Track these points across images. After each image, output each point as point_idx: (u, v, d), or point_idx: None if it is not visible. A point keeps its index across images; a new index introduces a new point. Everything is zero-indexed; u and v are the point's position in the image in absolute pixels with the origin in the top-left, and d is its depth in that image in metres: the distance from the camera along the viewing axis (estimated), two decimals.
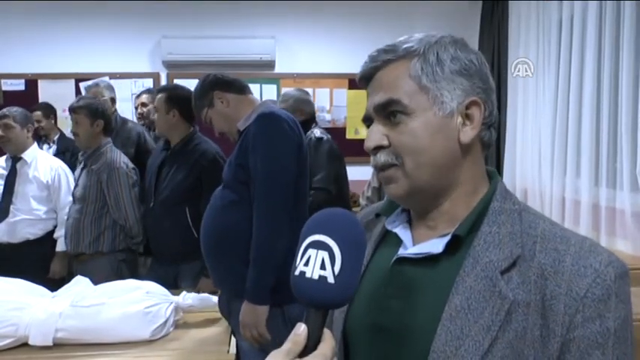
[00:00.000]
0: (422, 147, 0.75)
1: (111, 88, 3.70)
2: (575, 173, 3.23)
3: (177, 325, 2.03)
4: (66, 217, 2.94)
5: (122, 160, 2.83)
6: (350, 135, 4.88)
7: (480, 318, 0.69)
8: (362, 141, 0.81)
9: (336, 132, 3.66)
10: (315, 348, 0.60)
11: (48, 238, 3.08)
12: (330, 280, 0.61)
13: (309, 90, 4.00)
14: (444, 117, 0.76)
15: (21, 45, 4.68)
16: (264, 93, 4.81)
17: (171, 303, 2.00)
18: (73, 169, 3.14)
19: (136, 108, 4.11)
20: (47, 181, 3.06)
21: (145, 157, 3.38)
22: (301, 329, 0.61)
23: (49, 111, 4.03)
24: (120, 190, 2.75)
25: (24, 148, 3.07)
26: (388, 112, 0.77)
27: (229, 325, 2.01)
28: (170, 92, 2.69)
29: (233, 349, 1.91)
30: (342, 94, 4.92)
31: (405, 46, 0.77)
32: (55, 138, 4.01)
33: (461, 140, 0.76)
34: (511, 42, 4.05)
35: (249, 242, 1.79)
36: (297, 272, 0.63)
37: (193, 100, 2.12)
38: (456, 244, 0.75)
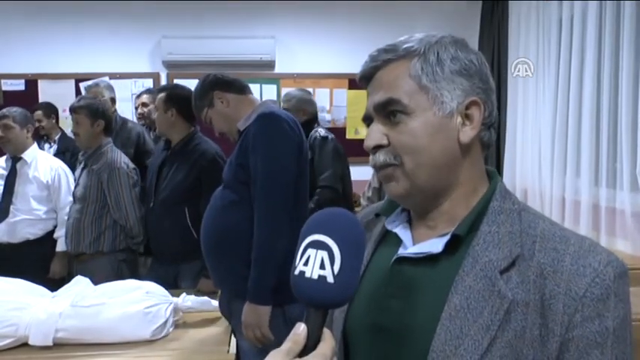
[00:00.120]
0: (421, 147, 0.76)
1: (111, 88, 3.70)
2: (575, 173, 3.23)
3: (177, 325, 2.03)
4: (66, 217, 2.94)
5: (123, 160, 2.83)
6: (350, 135, 4.88)
7: (480, 317, 0.69)
8: (362, 141, 0.81)
9: (336, 132, 3.67)
10: (314, 347, 0.60)
11: (48, 238, 3.08)
12: (330, 279, 0.61)
13: (309, 90, 4.00)
14: (443, 117, 0.76)
15: (21, 45, 4.68)
16: (264, 93, 4.81)
17: (171, 303, 2.00)
18: (73, 169, 3.14)
19: (136, 108, 4.11)
20: (47, 181, 3.06)
21: (144, 158, 3.39)
22: (301, 329, 0.61)
23: (50, 110, 4.04)
24: (120, 190, 2.75)
25: (24, 149, 3.07)
26: (388, 111, 0.78)
27: (230, 325, 2.01)
28: (169, 92, 2.69)
29: (233, 349, 1.91)
30: (342, 94, 4.92)
31: (406, 45, 0.77)
32: (56, 138, 4.01)
33: (460, 140, 0.76)
34: (511, 42, 4.05)
35: (250, 242, 1.79)
36: (296, 272, 0.63)
37: (193, 100, 2.12)
38: (456, 244, 0.75)
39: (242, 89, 2.07)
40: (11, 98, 4.55)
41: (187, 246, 2.53)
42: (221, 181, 1.98)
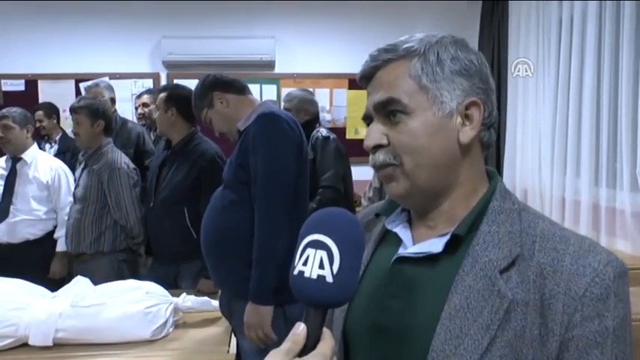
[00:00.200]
0: (421, 147, 0.76)
1: (111, 89, 3.71)
2: (575, 173, 3.23)
3: (177, 326, 2.03)
4: (66, 218, 2.94)
5: (123, 160, 2.83)
6: (350, 135, 4.88)
7: (479, 317, 0.69)
8: (362, 141, 0.81)
9: (336, 132, 3.66)
10: (314, 347, 0.60)
11: (48, 239, 3.08)
12: (329, 279, 0.61)
13: (310, 90, 4.00)
14: (443, 117, 0.76)
15: (21, 45, 4.69)
16: (264, 93, 4.81)
17: (171, 303, 2.00)
18: (74, 169, 3.14)
19: (137, 108, 4.12)
20: (47, 182, 3.06)
21: (144, 158, 3.40)
22: (300, 328, 0.61)
23: (51, 111, 4.03)
24: (121, 190, 2.75)
25: (24, 149, 3.07)
26: (388, 111, 0.78)
27: (230, 325, 2.01)
28: (170, 91, 2.70)
29: (233, 349, 1.91)
30: (342, 94, 4.92)
31: (406, 45, 0.77)
32: (57, 138, 4.01)
33: (460, 140, 0.76)
34: (511, 42, 4.05)
35: (250, 242, 1.80)
36: (295, 272, 0.63)
37: (193, 101, 2.12)
38: (456, 244, 0.75)
39: (242, 89, 2.07)
40: (11, 98, 4.55)
41: (187, 246, 2.53)
42: (221, 181, 1.99)
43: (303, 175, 1.90)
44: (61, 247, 3.03)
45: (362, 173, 3.61)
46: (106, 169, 2.75)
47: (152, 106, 3.66)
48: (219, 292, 2.14)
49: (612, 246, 2.85)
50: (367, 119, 0.82)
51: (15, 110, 3.07)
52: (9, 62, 4.66)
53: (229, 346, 1.91)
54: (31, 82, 4.74)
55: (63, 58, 4.69)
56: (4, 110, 3.08)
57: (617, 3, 2.85)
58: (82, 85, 4.32)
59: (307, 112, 3.33)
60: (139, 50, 4.79)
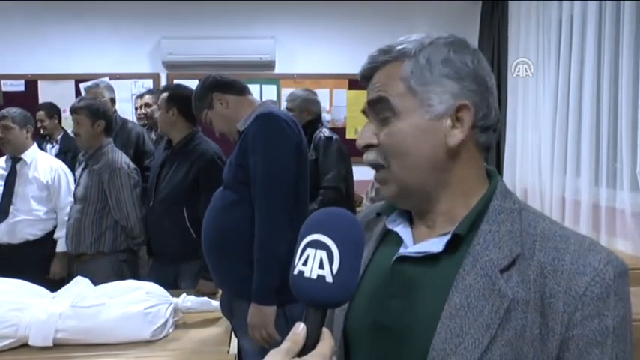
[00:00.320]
0: (407, 149, 0.76)
1: (111, 89, 3.71)
2: (575, 173, 3.23)
3: (177, 326, 2.03)
4: (66, 218, 2.94)
5: (124, 160, 2.83)
6: (350, 135, 4.88)
7: (480, 316, 0.69)
8: None
9: (336, 132, 3.66)
10: (313, 347, 0.60)
11: (48, 239, 3.08)
12: (329, 279, 0.61)
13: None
14: (430, 120, 0.76)
15: (21, 45, 4.69)
16: (264, 93, 4.81)
17: (171, 304, 2.00)
18: (74, 169, 3.14)
19: (136, 108, 4.11)
20: (47, 182, 3.06)
21: (144, 158, 3.39)
22: (300, 328, 0.61)
23: (53, 111, 4.03)
24: (121, 190, 2.75)
25: (23, 149, 3.07)
26: (378, 111, 0.79)
27: (231, 324, 2.01)
28: (171, 91, 2.71)
29: (233, 350, 1.91)
30: (342, 94, 4.92)
31: (399, 47, 0.78)
32: (59, 138, 4.01)
33: (448, 144, 0.76)
34: (511, 42, 4.05)
35: (250, 242, 1.80)
36: (295, 271, 0.63)
37: (193, 102, 2.12)
38: (456, 243, 0.75)
39: (241, 90, 2.07)
40: (11, 99, 4.55)
41: (187, 246, 2.54)
42: (220, 181, 1.99)
43: (303, 174, 1.90)
44: (61, 247, 3.03)
45: (363, 173, 3.59)
46: (106, 170, 2.75)
47: (154, 106, 3.66)
48: (220, 292, 2.15)
49: (612, 246, 2.85)
50: (365, 114, 0.83)
51: (15, 110, 3.08)
52: (9, 62, 4.66)
53: (229, 346, 1.91)
54: (31, 83, 4.74)
55: (63, 58, 4.69)
56: (3, 110, 3.08)
57: (617, 3, 2.85)
58: (82, 86, 4.32)
59: (310, 112, 3.33)
60: (139, 50, 4.79)
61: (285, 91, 4.63)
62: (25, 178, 3.05)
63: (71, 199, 3.00)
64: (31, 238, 3.04)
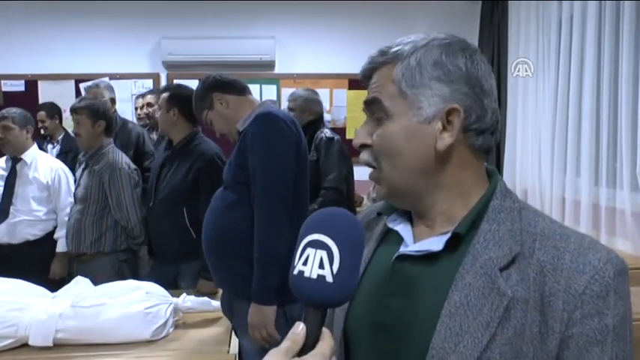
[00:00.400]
0: (397, 150, 0.77)
1: (111, 89, 3.71)
2: (575, 173, 3.23)
3: (177, 326, 2.03)
4: (66, 218, 2.94)
5: (124, 160, 2.83)
6: (350, 135, 4.87)
7: (479, 315, 0.69)
8: None
9: (336, 132, 3.66)
10: (313, 347, 0.60)
11: (48, 239, 3.08)
12: (329, 279, 0.61)
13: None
14: (419, 123, 0.76)
15: (21, 46, 4.69)
16: (264, 93, 4.81)
17: (171, 304, 2.00)
18: (75, 169, 3.14)
19: (136, 109, 4.12)
20: (47, 182, 3.06)
21: (143, 159, 3.39)
22: (300, 328, 0.61)
23: (54, 111, 4.02)
24: (122, 190, 2.75)
25: (23, 150, 3.07)
26: (373, 111, 0.80)
27: (232, 324, 2.01)
28: (172, 91, 2.71)
29: (233, 349, 1.91)
30: (342, 94, 4.92)
31: (394, 49, 0.78)
32: (60, 138, 4.01)
33: (437, 147, 0.76)
34: (511, 42, 4.06)
35: (250, 242, 1.80)
36: (295, 271, 0.63)
37: (194, 102, 2.13)
38: (456, 242, 0.75)
39: (241, 90, 2.07)
40: (11, 99, 4.55)
41: (187, 246, 2.54)
42: (220, 181, 1.99)
43: (302, 174, 1.90)
44: (61, 247, 3.03)
45: (364, 174, 3.59)
46: (107, 170, 2.75)
47: (156, 107, 3.66)
48: (220, 292, 2.14)
49: (612, 246, 2.84)
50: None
51: (15, 111, 3.08)
52: (9, 63, 4.66)
53: (229, 346, 1.91)
54: (31, 83, 4.74)
55: (63, 59, 4.69)
56: (3, 111, 3.08)
57: (617, 3, 2.85)
58: (82, 86, 4.32)
59: (312, 112, 3.32)
60: (139, 50, 4.79)
61: (285, 91, 4.63)
62: (25, 178, 3.05)
63: (71, 199, 3.00)
64: (31, 238, 3.04)
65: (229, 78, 2.10)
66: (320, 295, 0.61)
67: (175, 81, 4.41)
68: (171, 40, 4.64)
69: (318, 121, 3.34)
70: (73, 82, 4.71)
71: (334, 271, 0.61)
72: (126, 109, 4.39)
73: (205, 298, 2.10)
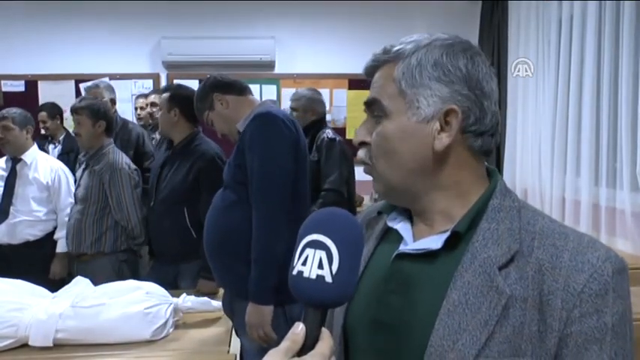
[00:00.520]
0: (393, 150, 0.77)
1: (111, 89, 3.70)
2: (575, 173, 3.23)
3: (177, 326, 2.03)
4: (66, 219, 2.94)
5: (124, 161, 2.84)
6: (350, 135, 4.87)
7: (478, 313, 0.69)
8: None
9: (336, 132, 3.66)
10: (313, 347, 0.60)
11: (48, 240, 3.08)
12: (328, 279, 0.61)
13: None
14: (417, 123, 0.76)
15: (21, 46, 4.69)
16: (264, 93, 4.82)
17: (171, 304, 2.00)
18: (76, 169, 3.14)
19: (136, 109, 4.11)
20: (47, 183, 3.06)
21: (143, 159, 3.39)
22: (299, 328, 0.61)
23: (55, 111, 4.02)
24: (122, 190, 2.75)
25: (23, 150, 3.07)
26: (373, 110, 0.80)
27: (233, 324, 2.01)
28: (173, 91, 2.71)
29: (233, 350, 1.91)
30: (342, 94, 4.93)
31: (396, 48, 0.78)
32: (61, 138, 4.01)
33: (435, 147, 0.76)
34: (511, 42, 4.06)
35: (250, 242, 1.80)
36: (294, 272, 0.63)
37: (195, 103, 2.13)
38: (455, 241, 0.75)
39: (242, 90, 2.07)
40: (11, 99, 4.56)
41: (187, 246, 2.54)
42: (220, 181, 1.99)
43: (302, 174, 1.90)
44: (61, 247, 3.03)
45: (364, 174, 3.61)
46: (107, 170, 2.75)
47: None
48: (220, 291, 2.14)
49: (612, 246, 2.83)
50: None
51: (15, 111, 3.07)
52: (9, 63, 4.67)
53: (229, 346, 1.91)
54: (31, 83, 4.74)
55: (63, 59, 4.69)
56: (3, 111, 3.08)
57: (616, 3, 2.85)
58: (82, 86, 4.32)
59: (315, 112, 3.30)
60: (139, 51, 4.80)
61: (285, 91, 4.65)
62: (25, 178, 3.05)
63: (71, 199, 3.00)
64: (31, 238, 3.04)
65: (230, 78, 2.10)
66: (319, 295, 0.61)
67: (175, 81, 4.42)
68: (171, 40, 4.64)
69: (320, 122, 3.32)
70: (73, 82, 4.72)
71: (333, 272, 0.61)
72: (126, 110, 4.39)
73: (205, 298, 2.10)
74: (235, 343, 1.98)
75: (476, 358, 0.68)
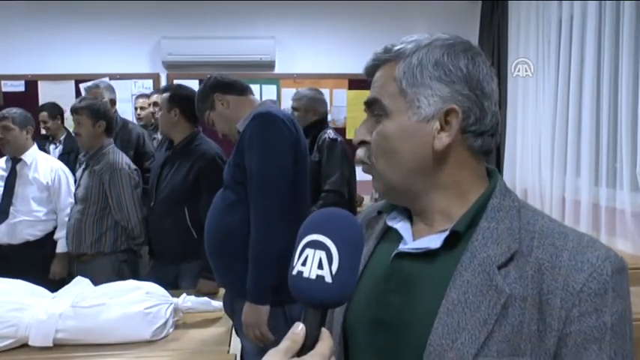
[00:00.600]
0: (392, 149, 0.77)
1: (111, 89, 3.71)
2: (575, 173, 3.23)
3: (177, 326, 2.03)
4: (66, 219, 2.94)
5: (124, 161, 2.84)
6: (350, 135, 4.87)
7: (477, 312, 0.69)
8: None
9: (336, 132, 3.66)
10: (312, 347, 0.60)
11: (48, 240, 3.08)
12: (328, 279, 0.61)
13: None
14: (417, 122, 0.76)
15: (21, 46, 4.69)
16: (264, 93, 4.82)
17: (171, 304, 2.00)
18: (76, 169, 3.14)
19: (136, 109, 4.12)
20: (47, 183, 3.06)
21: (143, 160, 3.39)
22: (299, 328, 0.61)
23: (56, 111, 4.02)
24: (122, 191, 2.75)
25: (23, 150, 3.07)
26: (373, 109, 0.80)
27: (233, 323, 2.01)
28: (173, 91, 2.71)
29: (233, 349, 1.91)
30: (342, 94, 4.93)
31: (397, 47, 0.78)
32: (62, 138, 4.01)
33: (434, 147, 0.76)
34: (511, 42, 4.06)
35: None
36: (294, 272, 0.63)
37: (196, 103, 2.13)
38: (455, 240, 0.75)
39: (242, 90, 2.07)
40: (11, 99, 4.56)
41: (187, 246, 2.54)
42: (221, 181, 1.99)
43: (302, 174, 1.90)
44: (61, 248, 3.03)
45: (364, 174, 3.61)
46: (107, 170, 2.75)
47: None
48: (220, 291, 2.14)
49: (612, 246, 2.83)
50: None
51: (15, 111, 3.07)
52: (9, 63, 4.67)
53: (229, 346, 1.91)
54: (31, 83, 4.74)
55: (63, 59, 4.69)
56: (4, 111, 3.08)
57: (617, 3, 2.85)
58: (82, 86, 4.32)
59: (316, 112, 3.28)
60: (139, 51, 4.80)
61: (285, 91, 4.65)
62: (25, 178, 3.05)
63: (71, 200, 3.00)
64: (31, 238, 3.04)
65: (230, 78, 2.10)
66: (319, 295, 0.61)
67: (175, 81, 4.42)
68: (171, 40, 4.64)
69: (322, 122, 3.31)
70: (73, 82, 4.72)
71: (333, 272, 0.61)
72: (126, 110, 4.39)
73: (205, 298, 2.10)
74: (235, 343, 1.98)
75: (475, 357, 0.68)
